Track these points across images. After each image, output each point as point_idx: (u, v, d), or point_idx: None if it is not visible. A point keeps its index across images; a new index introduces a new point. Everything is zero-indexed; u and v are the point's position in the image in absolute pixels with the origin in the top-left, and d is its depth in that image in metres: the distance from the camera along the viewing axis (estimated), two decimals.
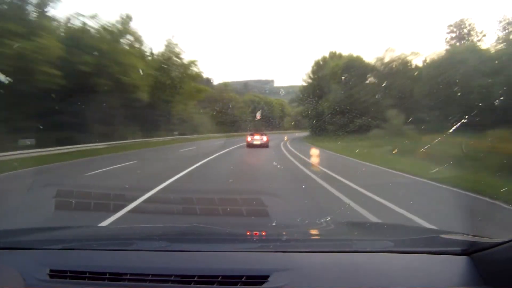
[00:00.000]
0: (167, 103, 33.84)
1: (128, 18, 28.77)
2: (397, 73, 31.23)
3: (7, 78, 15.25)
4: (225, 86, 63.23)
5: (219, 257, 1.71)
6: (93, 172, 10.95)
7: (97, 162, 14.30)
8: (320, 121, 33.57)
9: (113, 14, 57.23)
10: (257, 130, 45.59)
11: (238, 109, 59.43)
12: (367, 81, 34.61)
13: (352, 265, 1.56)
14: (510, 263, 1.33)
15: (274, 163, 13.44)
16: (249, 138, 22.17)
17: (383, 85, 30.87)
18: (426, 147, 12.00)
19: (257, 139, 21.77)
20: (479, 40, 34.91)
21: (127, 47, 28.17)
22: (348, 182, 8.55)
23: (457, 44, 34.80)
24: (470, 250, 1.53)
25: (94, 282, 1.51)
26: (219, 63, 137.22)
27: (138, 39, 29.99)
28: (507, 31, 29.26)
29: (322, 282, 1.44)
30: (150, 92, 28.73)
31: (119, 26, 27.79)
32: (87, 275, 1.53)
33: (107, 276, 1.51)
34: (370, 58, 44.61)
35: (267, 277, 1.44)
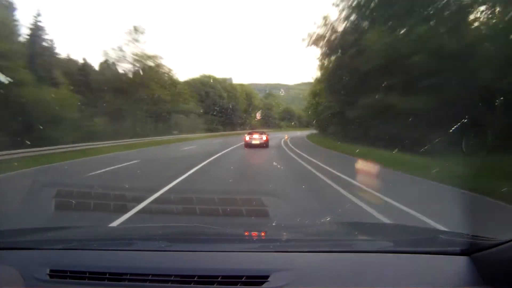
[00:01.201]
0: None
1: None
2: None
3: (7, 78, 15.00)
4: (136, 30, 32.63)
5: (219, 257, 1.71)
6: None
7: None
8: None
9: None
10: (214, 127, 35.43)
11: (173, 93, 35.50)
12: None
13: (352, 265, 1.56)
14: (510, 263, 1.33)
15: None
16: (247, 138, 22.04)
17: None
18: None
19: (256, 138, 21.73)
20: None
21: None
22: None
23: None
24: (470, 250, 1.53)
25: (94, 282, 1.51)
26: (170, 59, 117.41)
27: None
28: None
29: (322, 282, 1.44)
30: None
31: None
32: (87, 275, 1.54)
33: (107, 276, 1.51)
34: None
35: (267, 277, 1.44)
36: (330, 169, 11.02)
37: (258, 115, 53.90)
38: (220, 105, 44.60)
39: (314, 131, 41.76)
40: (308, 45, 24.73)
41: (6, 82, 14.85)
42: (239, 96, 52.41)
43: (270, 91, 73.84)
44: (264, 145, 21.29)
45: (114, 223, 4.71)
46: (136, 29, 32.74)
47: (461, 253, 1.54)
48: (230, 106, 47.04)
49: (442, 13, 14.67)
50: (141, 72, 32.87)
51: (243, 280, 1.43)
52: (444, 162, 9.73)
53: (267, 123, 56.30)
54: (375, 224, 4.18)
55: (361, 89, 18.65)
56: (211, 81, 46.78)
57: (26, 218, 5.16)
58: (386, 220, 5.09)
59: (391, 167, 11.19)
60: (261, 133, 22.78)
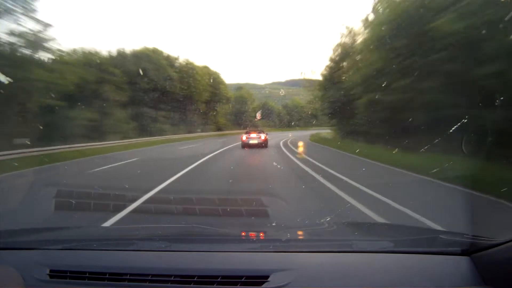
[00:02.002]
0: None
1: None
2: None
3: (7, 78, 14.95)
4: None
5: (219, 257, 1.71)
6: None
7: None
8: None
9: None
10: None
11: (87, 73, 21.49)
12: None
13: (352, 265, 1.56)
14: (510, 263, 1.33)
15: None
16: (244, 137, 21.57)
17: None
18: None
19: (254, 137, 21.45)
20: None
21: None
22: None
23: None
24: (470, 250, 1.53)
25: (94, 282, 1.51)
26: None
27: None
28: None
29: (322, 282, 1.44)
30: None
31: None
32: (87, 275, 1.54)
33: (107, 276, 1.51)
34: None
35: (267, 277, 1.44)
36: None
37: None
38: (163, 90, 27.40)
39: (325, 132, 30.36)
40: None
41: (6, 82, 14.81)
42: (200, 80, 32.65)
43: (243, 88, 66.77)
44: (262, 145, 21.25)
45: (108, 223, 4.70)
46: None
47: (461, 253, 1.54)
48: (182, 93, 29.02)
49: None
50: None
51: (243, 280, 1.43)
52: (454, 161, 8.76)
53: (242, 121, 41.63)
54: (375, 224, 4.16)
55: None
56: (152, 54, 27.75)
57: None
58: None
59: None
60: (259, 132, 22.67)
